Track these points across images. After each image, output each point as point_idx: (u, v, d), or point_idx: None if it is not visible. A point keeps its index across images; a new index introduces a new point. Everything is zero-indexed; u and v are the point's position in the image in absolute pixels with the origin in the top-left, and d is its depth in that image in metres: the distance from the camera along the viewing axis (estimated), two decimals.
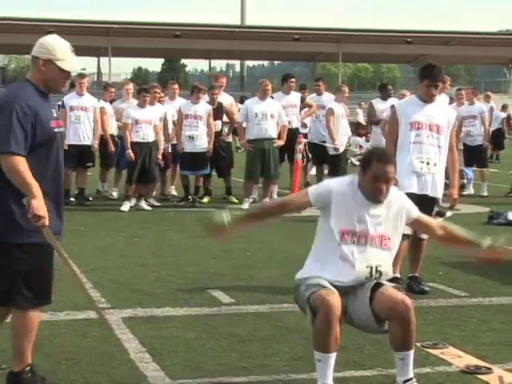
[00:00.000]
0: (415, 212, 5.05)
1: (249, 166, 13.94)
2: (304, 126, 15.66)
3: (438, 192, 7.54)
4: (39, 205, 4.57)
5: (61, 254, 4.78)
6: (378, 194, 4.78)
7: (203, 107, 13.91)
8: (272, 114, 13.74)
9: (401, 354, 4.77)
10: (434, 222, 5.16)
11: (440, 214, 10.88)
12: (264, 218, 5.16)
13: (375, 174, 4.72)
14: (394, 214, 4.89)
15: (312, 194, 4.88)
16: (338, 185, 4.90)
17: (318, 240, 4.94)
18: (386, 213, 4.85)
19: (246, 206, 13.51)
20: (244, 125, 14.20)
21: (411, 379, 4.80)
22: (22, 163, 4.57)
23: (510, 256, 4.76)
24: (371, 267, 4.78)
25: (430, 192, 7.46)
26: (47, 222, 4.63)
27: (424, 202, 7.36)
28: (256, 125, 13.73)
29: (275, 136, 13.84)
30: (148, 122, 13.37)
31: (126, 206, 13.27)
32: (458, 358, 5.57)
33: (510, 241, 5.03)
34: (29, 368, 4.87)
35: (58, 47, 4.75)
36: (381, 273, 4.82)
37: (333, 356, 4.64)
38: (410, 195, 7.18)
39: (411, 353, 4.78)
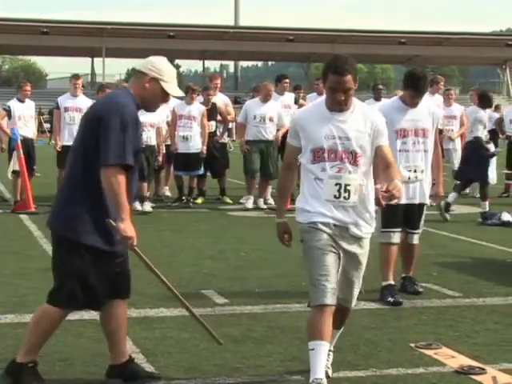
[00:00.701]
0: (383, 138, 4.93)
1: (248, 165, 14.03)
2: None
3: (426, 197, 7.49)
4: (128, 227, 4.63)
5: (154, 271, 4.96)
6: (336, 104, 4.79)
7: (197, 108, 13.92)
8: (271, 116, 13.82)
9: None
10: (392, 161, 4.92)
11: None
12: (289, 194, 5.21)
13: (331, 85, 4.76)
14: (365, 130, 4.84)
15: (288, 139, 5.04)
16: (301, 111, 5.10)
17: (302, 177, 4.97)
18: (355, 128, 4.82)
19: (249, 204, 13.72)
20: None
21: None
22: (123, 180, 4.61)
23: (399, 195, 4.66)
24: (339, 185, 4.79)
25: (417, 200, 7.40)
26: (136, 242, 4.69)
27: (412, 208, 7.41)
28: (254, 127, 13.84)
29: (272, 139, 13.88)
30: (152, 125, 13.37)
31: (147, 207, 13.25)
32: (452, 359, 5.57)
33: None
34: (32, 364, 4.90)
35: (167, 69, 4.85)
36: (349, 192, 4.80)
37: (325, 344, 4.70)
38: (397, 206, 7.20)
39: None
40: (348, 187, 4.79)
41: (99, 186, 4.64)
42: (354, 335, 5.97)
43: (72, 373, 5.21)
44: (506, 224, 12.05)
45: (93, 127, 4.68)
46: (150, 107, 4.98)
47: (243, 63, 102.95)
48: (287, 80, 15.16)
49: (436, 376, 5.24)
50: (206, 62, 79.72)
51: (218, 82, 15.57)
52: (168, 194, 15.38)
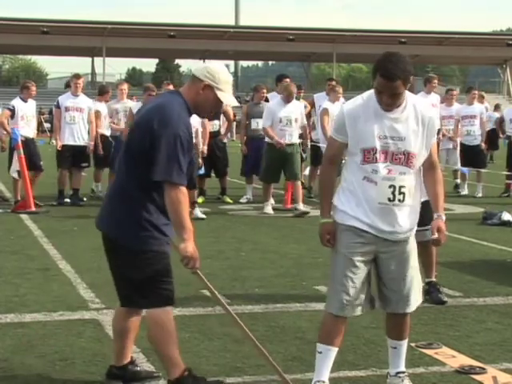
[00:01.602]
0: (434, 137, 4.74)
1: (266, 170, 13.54)
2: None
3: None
4: (190, 247, 4.58)
5: (216, 296, 4.94)
6: (383, 104, 4.55)
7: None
8: (296, 118, 13.39)
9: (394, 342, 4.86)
10: (435, 160, 4.78)
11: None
12: (333, 191, 4.86)
13: (378, 87, 4.53)
14: (418, 128, 4.60)
15: (333, 133, 4.77)
16: (349, 106, 4.69)
17: (345, 175, 4.75)
18: (408, 128, 4.58)
19: (268, 209, 13.36)
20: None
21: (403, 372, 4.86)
22: (186, 199, 4.55)
23: None
24: (394, 187, 4.58)
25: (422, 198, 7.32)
26: (198, 264, 4.64)
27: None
28: (280, 130, 13.28)
29: (297, 141, 13.55)
30: None
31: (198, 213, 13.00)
32: (452, 358, 5.57)
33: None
34: (188, 373, 4.77)
35: (223, 77, 4.74)
36: (404, 194, 4.60)
37: (334, 350, 4.69)
38: None
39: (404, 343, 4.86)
40: (403, 189, 4.60)
41: (144, 193, 4.59)
42: (354, 335, 5.97)
43: (72, 373, 5.21)
44: (507, 224, 12.04)
45: (145, 136, 4.55)
46: (202, 113, 4.88)
47: (243, 63, 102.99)
48: (288, 80, 15.13)
49: (436, 376, 5.24)
50: (206, 61, 79.74)
51: None
52: None
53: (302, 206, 13.11)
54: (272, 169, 13.44)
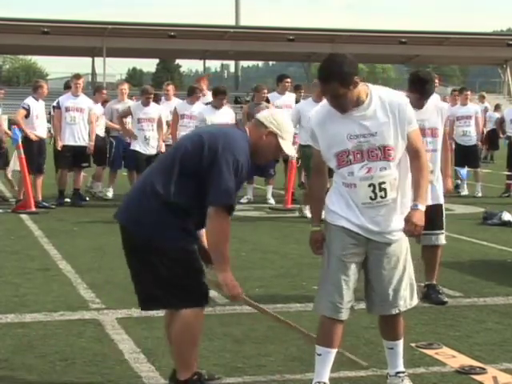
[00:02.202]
0: (411, 123, 4.57)
1: (307, 174, 13.29)
2: None
3: (440, 198, 7.24)
4: (230, 279, 4.59)
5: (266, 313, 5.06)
6: (335, 109, 4.51)
7: (200, 108, 13.89)
8: None
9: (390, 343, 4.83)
10: (418, 148, 4.60)
11: None
12: (322, 199, 4.81)
13: (321, 93, 4.60)
14: (390, 119, 4.49)
15: (310, 141, 4.78)
16: (314, 113, 4.72)
17: (334, 177, 4.71)
18: (377, 121, 4.48)
19: (307, 213, 12.77)
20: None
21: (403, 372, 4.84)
22: (228, 229, 4.58)
23: None
24: (373, 185, 4.50)
25: (430, 201, 6.98)
26: (240, 290, 4.66)
27: (427, 211, 7.21)
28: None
29: None
30: (150, 120, 13.72)
31: None
32: (453, 359, 5.57)
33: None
34: (197, 377, 4.77)
35: (287, 127, 4.80)
36: (385, 190, 4.52)
37: (333, 352, 4.68)
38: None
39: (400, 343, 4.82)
40: (383, 185, 4.51)
41: (186, 205, 4.59)
42: (354, 335, 5.97)
43: (72, 373, 5.20)
44: (507, 224, 12.04)
45: (202, 154, 4.55)
46: (260, 159, 4.89)
47: (244, 63, 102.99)
48: (288, 80, 15.13)
49: (437, 376, 5.24)
50: (206, 61, 79.65)
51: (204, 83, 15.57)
52: None
53: (308, 212, 13.03)
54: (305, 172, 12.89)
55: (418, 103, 7.10)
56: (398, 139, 4.51)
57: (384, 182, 4.51)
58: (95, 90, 16.49)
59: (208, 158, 4.53)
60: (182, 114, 13.89)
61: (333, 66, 4.42)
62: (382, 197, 4.52)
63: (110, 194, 15.03)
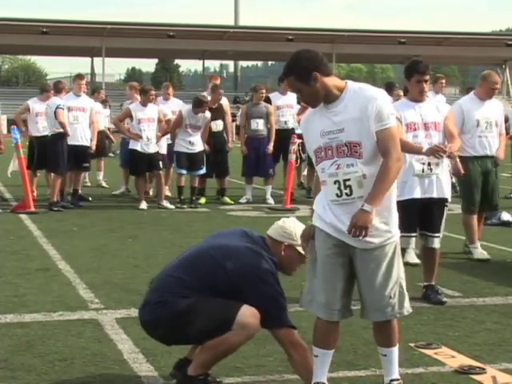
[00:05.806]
0: (385, 121, 4.40)
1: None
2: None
3: (445, 192, 7.17)
4: None
5: None
6: (306, 104, 4.72)
7: (205, 118, 13.84)
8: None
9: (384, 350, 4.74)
10: (388, 150, 4.40)
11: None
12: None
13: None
14: (360, 115, 4.37)
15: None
16: (305, 114, 4.83)
17: None
18: (347, 117, 4.40)
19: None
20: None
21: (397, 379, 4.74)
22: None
23: None
24: (338, 182, 4.43)
25: (435, 194, 7.13)
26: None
27: (431, 206, 7.15)
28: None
29: None
30: (150, 119, 13.82)
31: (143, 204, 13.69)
32: (452, 358, 5.57)
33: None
34: (203, 377, 4.82)
35: (298, 232, 4.83)
36: (350, 188, 4.41)
37: (330, 353, 4.67)
38: (411, 201, 7.13)
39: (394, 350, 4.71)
40: (348, 182, 4.40)
41: None
42: (353, 335, 5.97)
43: (71, 373, 5.20)
44: (506, 224, 12.04)
45: (230, 274, 4.73)
46: (288, 271, 5.05)
47: (243, 63, 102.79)
48: None
49: (436, 376, 5.24)
50: (205, 61, 79.62)
51: (219, 81, 15.53)
52: (168, 193, 15.35)
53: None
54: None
55: (419, 90, 7.04)
56: (366, 136, 4.40)
57: (349, 179, 4.42)
58: (93, 90, 16.57)
59: (240, 288, 4.79)
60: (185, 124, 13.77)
61: (290, 61, 4.48)
62: (347, 194, 4.43)
63: (118, 191, 15.53)
